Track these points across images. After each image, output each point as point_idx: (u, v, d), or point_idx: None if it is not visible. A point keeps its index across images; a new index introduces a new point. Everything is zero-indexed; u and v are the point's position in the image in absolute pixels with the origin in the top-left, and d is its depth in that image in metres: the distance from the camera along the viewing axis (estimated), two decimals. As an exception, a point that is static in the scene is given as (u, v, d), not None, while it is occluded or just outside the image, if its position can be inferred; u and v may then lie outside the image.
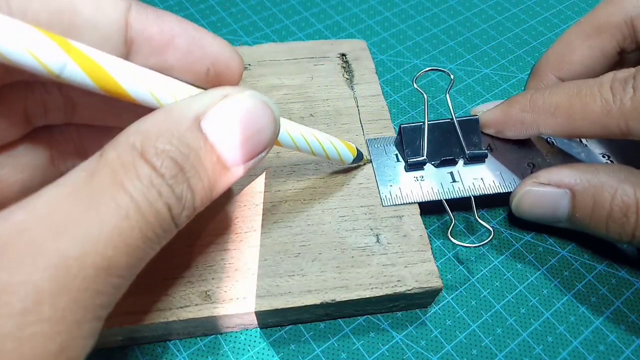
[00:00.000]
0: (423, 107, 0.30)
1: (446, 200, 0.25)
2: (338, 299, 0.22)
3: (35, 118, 0.19)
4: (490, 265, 0.26)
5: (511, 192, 0.25)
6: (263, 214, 0.24)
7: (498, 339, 0.24)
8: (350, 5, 0.39)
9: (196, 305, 0.21)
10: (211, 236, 0.23)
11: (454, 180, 0.26)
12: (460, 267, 0.26)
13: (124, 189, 0.14)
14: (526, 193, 0.24)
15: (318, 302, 0.22)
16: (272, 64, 0.31)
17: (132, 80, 0.15)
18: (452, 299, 0.25)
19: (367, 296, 0.22)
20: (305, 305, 0.22)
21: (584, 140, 0.28)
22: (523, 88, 0.34)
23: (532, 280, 0.25)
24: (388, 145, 0.27)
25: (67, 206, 0.13)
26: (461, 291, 0.25)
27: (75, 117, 0.20)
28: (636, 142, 0.22)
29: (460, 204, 0.26)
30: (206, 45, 0.18)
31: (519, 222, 0.27)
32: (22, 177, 0.19)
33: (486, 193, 0.25)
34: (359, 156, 0.25)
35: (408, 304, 0.24)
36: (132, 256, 0.14)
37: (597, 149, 0.28)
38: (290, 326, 0.24)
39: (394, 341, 0.23)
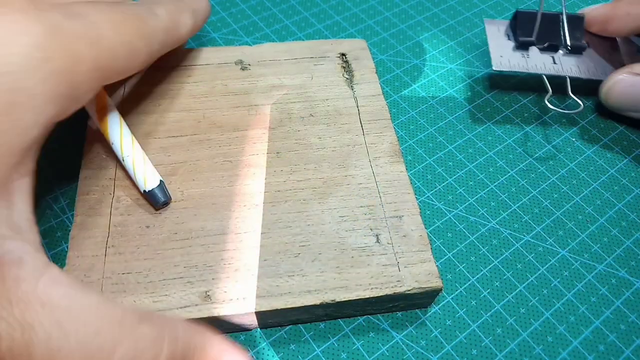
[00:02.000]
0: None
1: (546, 75, 0.30)
2: (338, 299, 0.22)
3: None
4: (490, 265, 0.26)
5: (603, 81, 0.28)
6: (263, 214, 0.24)
7: (498, 339, 0.24)
8: (350, 5, 0.39)
9: (196, 305, 0.21)
10: (211, 236, 0.23)
11: (554, 62, 0.30)
12: (460, 267, 0.26)
13: None
14: (618, 81, 0.26)
15: (318, 302, 0.22)
16: (272, 63, 0.31)
17: None
18: (452, 299, 0.25)
19: (367, 296, 0.22)
20: (305, 306, 0.22)
21: None
22: (524, 88, 0.34)
23: (532, 280, 0.25)
24: (502, 26, 0.32)
25: None
26: (461, 291, 0.25)
27: None
28: None
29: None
30: None
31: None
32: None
33: (581, 77, 0.29)
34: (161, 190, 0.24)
35: (408, 304, 0.24)
36: None
37: None
38: (290, 326, 0.24)
39: (394, 341, 0.23)
